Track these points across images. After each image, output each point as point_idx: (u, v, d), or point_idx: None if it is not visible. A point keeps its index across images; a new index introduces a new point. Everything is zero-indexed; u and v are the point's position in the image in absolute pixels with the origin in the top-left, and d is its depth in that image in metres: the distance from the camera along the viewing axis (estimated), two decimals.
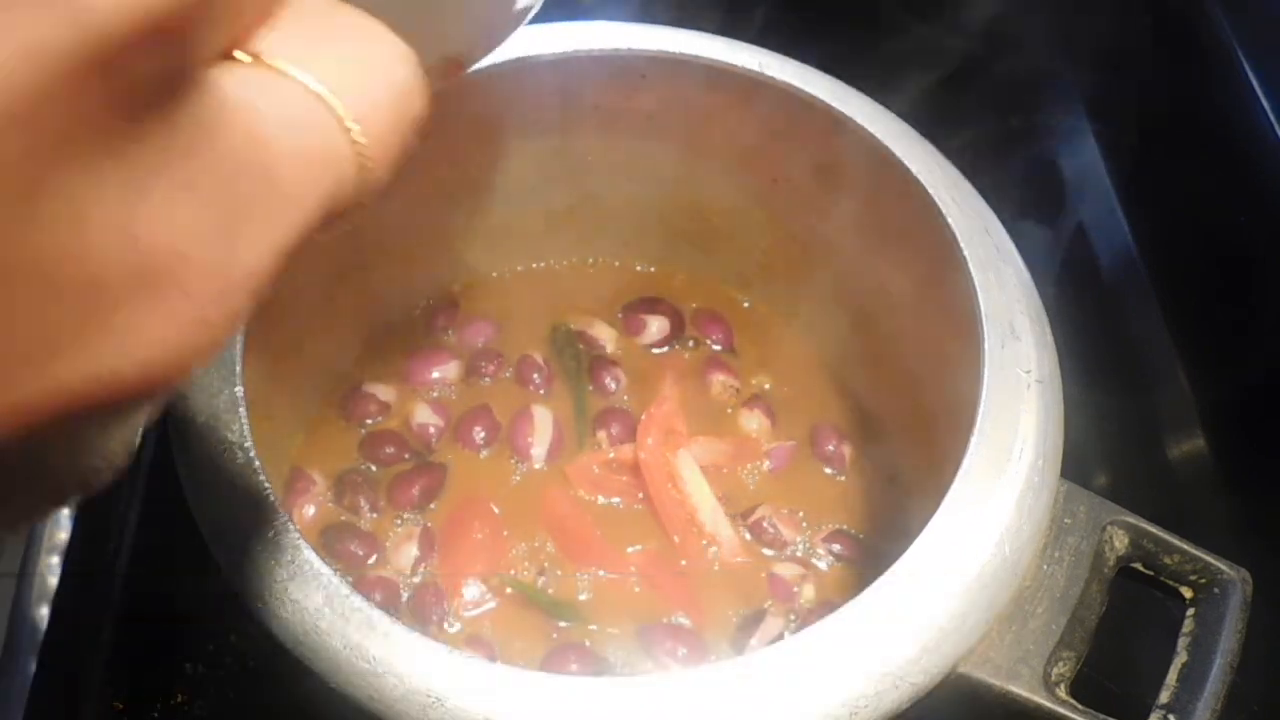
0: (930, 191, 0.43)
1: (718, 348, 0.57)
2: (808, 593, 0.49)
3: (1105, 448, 0.56)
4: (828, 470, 0.53)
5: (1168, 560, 0.39)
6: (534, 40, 0.46)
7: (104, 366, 0.13)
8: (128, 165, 0.12)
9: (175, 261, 0.13)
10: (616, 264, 0.59)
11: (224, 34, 0.14)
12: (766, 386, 0.55)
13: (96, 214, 0.12)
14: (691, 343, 0.57)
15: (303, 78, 0.15)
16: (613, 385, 0.55)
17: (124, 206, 0.12)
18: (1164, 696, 0.36)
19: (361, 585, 0.47)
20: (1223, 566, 0.38)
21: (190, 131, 0.13)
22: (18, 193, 0.11)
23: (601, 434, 0.53)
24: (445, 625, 0.47)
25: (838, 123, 0.46)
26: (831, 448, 0.53)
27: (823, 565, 0.50)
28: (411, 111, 0.17)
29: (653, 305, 0.57)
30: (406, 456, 0.52)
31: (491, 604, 0.48)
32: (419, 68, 0.18)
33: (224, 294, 0.14)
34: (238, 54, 0.15)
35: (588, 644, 0.47)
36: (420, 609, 0.47)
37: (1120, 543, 0.39)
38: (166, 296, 0.13)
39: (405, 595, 0.48)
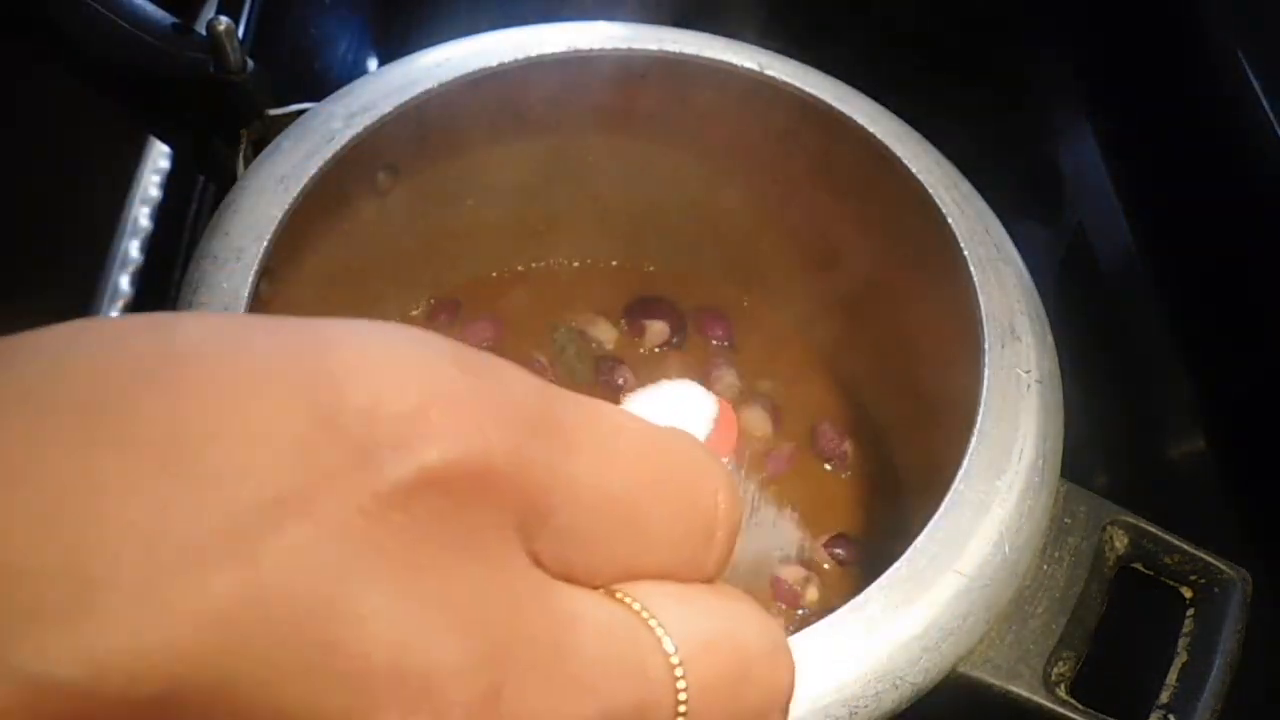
0: (930, 191, 0.43)
1: (719, 345, 0.57)
2: (811, 594, 0.49)
3: (1105, 448, 0.56)
4: (829, 470, 0.53)
5: (1168, 560, 0.39)
6: (534, 40, 0.46)
7: None
8: (435, 586, 0.14)
9: (439, 683, 0.13)
10: (616, 264, 0.59)
11: (598, 579, 0.15)
12: (768, 386, 0.55)
13: (392, 618, 0.13)
14: (693, 342, 0.57)
15: (639, 608, 0.15)
16: (621, 381, 0.55)
17: (416, 620, 0.13)
18: (1164, 696, 0.36)
19: None
20: (1223, 566, 0.38)
21: (503, 588, 0.14)
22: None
23: None
24: None
25: (838, 123, 0.46)
26: (832, 447, 0.53)
27: (825, 566, 0.50)
28: (761, 685, 0.17)
29: (653, 305, 0.57)
30: None
31: None
32: (784, 651, 0.17)
33: None
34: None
35: None
36: None
37: (1120, 543, 0.39)
38: (416, 711, 0.13)
39: None
